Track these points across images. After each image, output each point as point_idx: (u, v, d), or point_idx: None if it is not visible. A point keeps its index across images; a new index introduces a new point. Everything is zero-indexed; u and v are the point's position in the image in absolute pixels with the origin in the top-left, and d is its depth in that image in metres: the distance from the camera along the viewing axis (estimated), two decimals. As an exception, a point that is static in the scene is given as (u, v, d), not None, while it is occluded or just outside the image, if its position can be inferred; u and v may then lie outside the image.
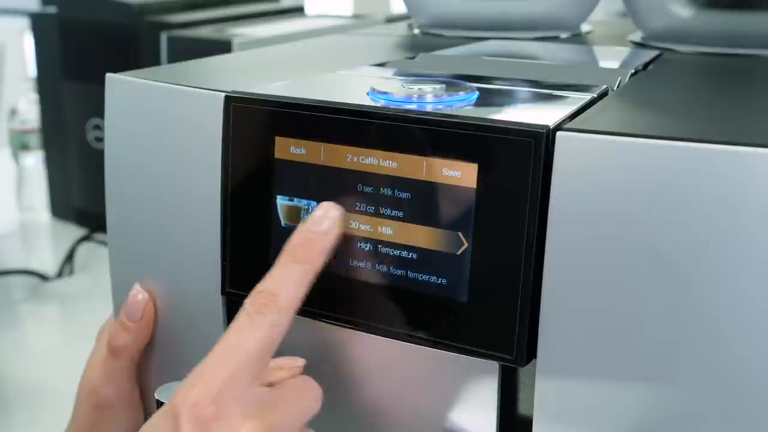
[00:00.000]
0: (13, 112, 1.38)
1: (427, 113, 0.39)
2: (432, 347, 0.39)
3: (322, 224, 0.40)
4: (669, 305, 0.34)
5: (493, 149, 0.37)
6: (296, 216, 0.42)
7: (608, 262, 0.35)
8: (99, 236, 1.25)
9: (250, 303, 0.39)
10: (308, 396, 0.41)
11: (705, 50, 0.62)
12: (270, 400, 0.39)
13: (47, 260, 1.23)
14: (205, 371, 0.38)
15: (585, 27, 0.75)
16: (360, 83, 0.45)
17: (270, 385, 0.40)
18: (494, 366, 0.40)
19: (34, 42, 1.31)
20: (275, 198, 0.42)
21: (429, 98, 0.41)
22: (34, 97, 1.36)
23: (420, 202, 0.39)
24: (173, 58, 1.08)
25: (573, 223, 0.35)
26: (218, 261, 0.45)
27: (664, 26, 0.65)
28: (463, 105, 0.41)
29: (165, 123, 0.46)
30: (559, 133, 0.36)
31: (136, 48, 1.17)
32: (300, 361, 0.42)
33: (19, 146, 1.38)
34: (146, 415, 0.51)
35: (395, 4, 2.43)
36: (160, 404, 0.43)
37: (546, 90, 0.45)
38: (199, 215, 0.45)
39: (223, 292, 0.45)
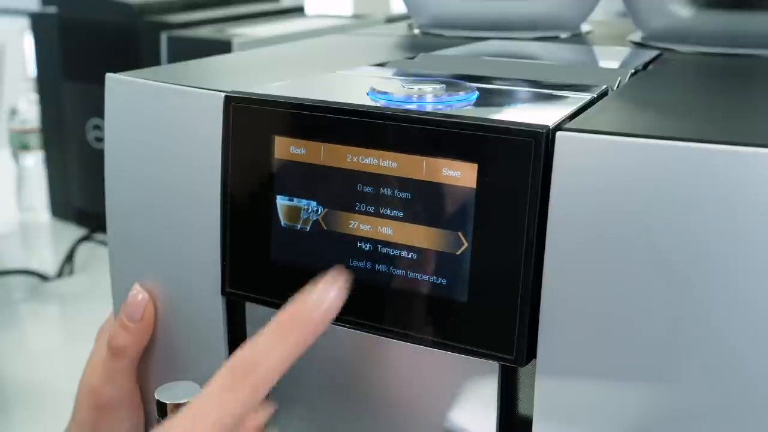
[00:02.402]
0: (13, 112, 1.39)
1: (427, 113, 0.39)
2: (432, 347, 0.39)
3: (322, 301, 0.38)
4: (669, 305, 0.34)
5: (493, 149, 0.37)
6: (296, 216, 0.42)
7: (608, 262, 0.35)
8: (99, 236, 1.25)
9: (227, 370, 0.37)
10: None
11: (705, 50, 0.62)
12: None
13: (47, 260, 1.23)
14: None
15: (585, 27, 0.75)
16: (360, 83, 0.45)
17: None
18: (494, 366, 0.40)
19: (34, 42, 1.31)
20: (275, 198, 0.42)
21: (429, 98, 0.40)
22: (34, 97, 1.36)
23: (420, 202, 0.39)
24: (173, 58, 1.08)
25: (573, 223, 0.35)
26: (218, 261, 0.45)
27: (664, 26, 0.65)
28: (463, 105, 0.41)
29: (165, 123, 0.46)
30: (559, 133, 0.36)
31: (136, 48, 1.17)
32: (261, 418, 0.40)
33: (19, 146, 1.38)
34: (146, 415, 0.51)
35: (395, 4, 2.43)
36: (160, 404, 0.43)
37: (546, 90, 0.45)
38: (199, 215, 0.45)
39: (223, 292, 0.45)
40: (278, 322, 0.38)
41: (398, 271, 0.40)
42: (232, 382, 0.37)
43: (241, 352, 0.38)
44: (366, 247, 0.40)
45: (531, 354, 0.37)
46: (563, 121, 0.37)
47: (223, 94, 0.43)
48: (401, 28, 0.79)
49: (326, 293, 0.38)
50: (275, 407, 0.40)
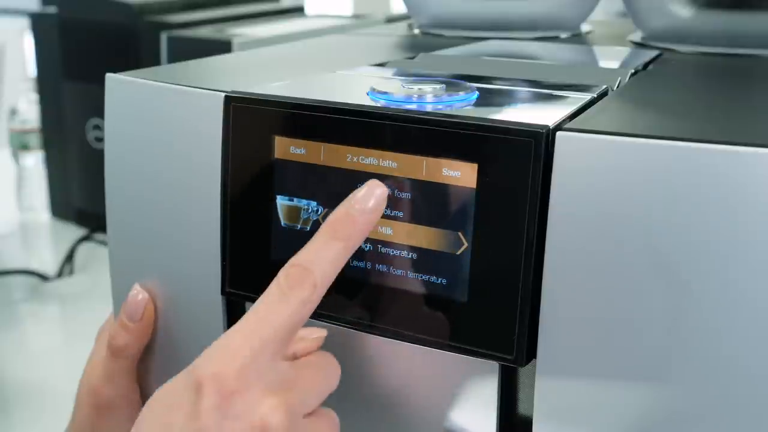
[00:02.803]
0: (13, 112, 1.39)
1: (427, 113, 0.39)
2: (432, 347, 0.39)
3: (367, 202, 0.38)
4: (669, 305, 0.34)
5: (493, 149, 0.37)
6: (296, 216, 0.42)
7: (608, 262, 0.35)
8: (99, 236, 1.25)
9: (284, 276, 0.39)
10: (327, 374, 0.41)
11: (705, 50, 0.62)
12: (291, 376, 0.39)
13: (47, 260, 1.23)
14: (231, 342, 0.38)
15: (585, 27, 0.75)
16: (360, 83, 0.45)
17: (291, 356, 0.40)
18: (494, 366, 0.40)
19: (34, 42, 1.31)
20: (275, 198, 0.42)
21: (429, 98, 0.40)
22: (34, 97, 1.36)
23: (420, 202, 0.39)
24: (173, 58, 1.08)
25: (573, 223, 0.35)
26: (218, 261, 0.45)
27: (664, 26, 0.65)
28: (463, 105, 0.41)
29: (165, 123, 0.46)
30: (559, 133, 0.36)
31: (136, 48, 1.17)
32: (321, 332, 0.42)
33: (19, 146, 1.38)
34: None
35: (395, 4, 2.43)
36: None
37: (546, 90, 0.45)
38: (199, 215, 0.45)
39: (223, 292, 0.45)
40: (327, 225, 0.39)
41: (398, 271, 0.40)
42: (289, 288, 0.38)
43: (293, 259, 0.39)
44: (366, 247, 0.40)
45: (531, 354, 0.37)
46: (563, 121, 0.37)
47: (223, 94, 0.43)
48: (401, 28, 0.79)
49: (371, 192, 0.39)
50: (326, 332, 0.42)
